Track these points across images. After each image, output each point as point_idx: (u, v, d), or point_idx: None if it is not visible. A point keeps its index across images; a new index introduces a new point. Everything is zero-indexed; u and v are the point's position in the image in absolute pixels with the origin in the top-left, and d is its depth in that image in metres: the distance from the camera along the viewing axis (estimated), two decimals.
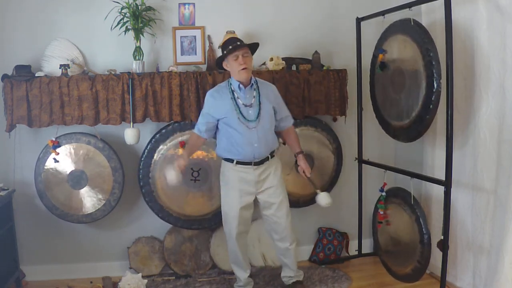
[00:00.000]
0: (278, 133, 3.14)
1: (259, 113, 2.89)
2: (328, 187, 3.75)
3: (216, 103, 2.93)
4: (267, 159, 2.97)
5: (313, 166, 3.66)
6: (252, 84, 2.93)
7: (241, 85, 2.91)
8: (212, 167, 3.44)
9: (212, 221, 3.53)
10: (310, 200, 3.71)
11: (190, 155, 3.07)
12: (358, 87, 3.68)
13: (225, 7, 3.65)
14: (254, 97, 2.92)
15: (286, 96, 3.45)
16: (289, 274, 3.23)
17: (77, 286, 3.29)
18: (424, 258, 3.01)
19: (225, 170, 3.04)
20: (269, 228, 3.14)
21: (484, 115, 2.94)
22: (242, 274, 3.16)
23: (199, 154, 3.43)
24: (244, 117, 2.88)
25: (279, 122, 3.07)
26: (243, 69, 2.83)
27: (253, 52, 2.96)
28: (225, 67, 2.95)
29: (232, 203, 3.00)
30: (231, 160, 2.96)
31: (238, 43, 2.85)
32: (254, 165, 2.92)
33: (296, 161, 3.20)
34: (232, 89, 2.92)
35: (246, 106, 2.89)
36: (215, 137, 3.07)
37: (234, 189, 2.98)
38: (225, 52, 2.87)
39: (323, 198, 3.15)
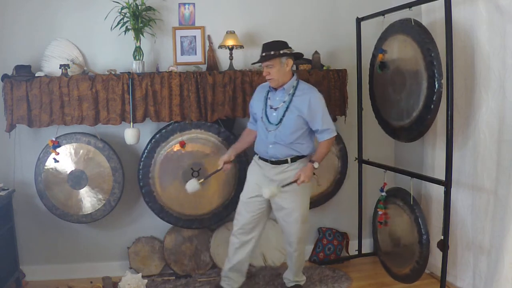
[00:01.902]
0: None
1: (281, 119, 2.87)
2: (333, 189, 3.75)
3: (255, 98, 3.07)
4: (285, 161, 2.91)
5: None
6: (285, 88, 2.90)
7: (271, 87, 2.96)
8: (212, 167, 3.44)
9: (212, 220, 3.53)
10: (313, 202, 3.70)
11: (236, 152, 3.11)
12: (358, 87, 3.68)
13: (225, 7, 3.65)
14: (284, 102, 2.89)
15: None
16: (289, 277, 3.24)
17: (77, 286, 3.29)
18: (423, 258, 3.01)
19: (252, 163, 3.11)
20: (281, 229, 3.14)
21: (484, 115, 2.94)
22: (225, 265, 3.14)
23: (199, 154, 3.43)
24: (267, 119, 2.92)
25: (316, 133, 2.95)
26: (268, 79, 2.90)
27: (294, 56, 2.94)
28: None
29: (245, 192, 3.05)
30: (256, 153, 3.07)
31: (264, 54, 2.84)
32: (271, 163, 2.94)
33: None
34: (269, 89, 2.98)
35: (271, 108, 2.92)
36: None
37: (251, 179, 3.05)
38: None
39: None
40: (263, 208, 3.02)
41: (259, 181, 2.98)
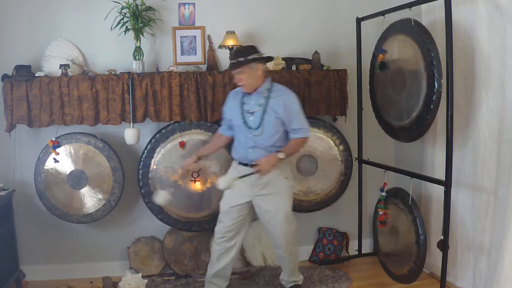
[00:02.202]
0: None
1: (260, 123, 2.87)
2: (337, 191, 3.74)
3: (229, 104, 3.04)
4: None
5: (316, 169, 3.65)
6: (259, 92, 2.90)
7: (245, 92, 2.93)
8: (212, 167, 3.44)
9: (212, 222, 3.49)
10: (314, 205, 3.71)
11: (202, 156, 3.08)
12: (358, 87, 3.68)
13: (225, 7, 3.65)
14: (260, 105, 2.88)
15: None
16: (285, 278, 3.23)
17: (77, 286, 3.29)
18: (420, 259, 3.01)
19: (231, 169, 3.08)
20: (268, 234, 3.13)
21: (484, 115, 2.94)
22: (209, 271, 3.11)
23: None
24: (246, 124, 2.90)
25: (290, 133, 2.95)
26: (240, 85, 2.90)
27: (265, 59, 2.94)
28: None
29: (226, 201, 3.02)
30: (235, 160, 3.03)
31: (233, 61, 2.83)
32: (252, 167, 2.90)
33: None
34: (243, 94, 2.96)
35: (248, 112, 2.90)
36: None
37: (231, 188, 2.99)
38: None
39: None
40: (244, 214, 3.01)
41: (240, 188, 2.92)
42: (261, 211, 2.98)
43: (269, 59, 3.00)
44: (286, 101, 2.88)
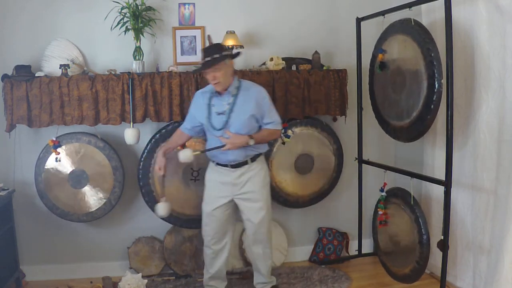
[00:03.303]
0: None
1: (226, 122, 2.81)
2: (328, 188, 3.75)
3: (196, 106, 2.95)
4: (245, 163, 2.90)
5: (313, 167, 3.66)
6: (229, 91, 2.84)
7: (215, 92, 2.88)
8: None
9: None
10: (310, 200, 3.72)
11: (167, 151, 2.97)
12: (358, 87, 3.68)
13: (225, 7, 3.65)
14: (228, 104, 2.83)
15: (286, 96, 3.45)
16: (261, 280, 3.17)
17: (77, 286, 3.29)
18: (423, 258, 3.01)
19: (208, 170, 3.06)
20: (246, 231, 3.12)
21: (484, 115, 2.94)
22: (205, 275, 3.12)
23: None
24: (211, 125, 2.85)
25: (262, 126, 2.92)
26: (214, 84, 2.80)
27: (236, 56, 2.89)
28: None
29: (207, 202, 3.01)
30: (212, 161, 2.99)
31: (208, 58, 2.72)
32: (231, 167, 2.90)
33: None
34: (212, 94, 2.89)
35: (219, 114, 2.84)
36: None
37: (211, 189, 3.01)
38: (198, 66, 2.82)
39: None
40: (228, 213, 3.01)
41: (220, 190, 2.94)
42: (243, 209, 2.98)
43: (238, 54, 2.93)
44: (257, 98, 2.85)
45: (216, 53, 2.73)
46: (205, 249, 3.08)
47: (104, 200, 3.39)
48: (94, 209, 3.39)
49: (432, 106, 2.85)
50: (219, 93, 2.86)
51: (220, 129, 2.82)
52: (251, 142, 2.80)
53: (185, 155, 2.83)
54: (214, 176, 2.99)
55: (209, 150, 2.90)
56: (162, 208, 2.94)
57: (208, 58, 2.73)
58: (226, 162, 2.89)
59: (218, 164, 2.94)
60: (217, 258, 3.05)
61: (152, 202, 3.44)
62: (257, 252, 3.08)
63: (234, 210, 3.05)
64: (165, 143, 3.18)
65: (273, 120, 2.91)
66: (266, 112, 2.88)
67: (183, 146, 3.10)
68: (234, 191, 2.94)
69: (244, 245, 3.63)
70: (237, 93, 2.84)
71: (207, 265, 3.09)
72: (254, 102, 2.83)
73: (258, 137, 2.85)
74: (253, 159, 2.93)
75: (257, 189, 2.95)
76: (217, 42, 2.93)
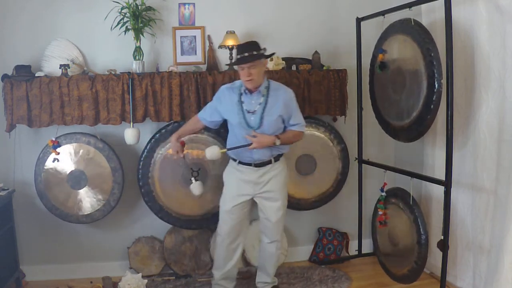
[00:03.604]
0: None
1: (261, 123, 2.82)
2: (334, 191, 3.74)
3: (225, 101, 2.90)
4: (269, 162, 2.93)
5: (315, 168, 3.66)
6: (260, 90, 2.84)
7: (246, 91, 2.86)
8: (212, 167, 3.44)
9: (211, 221, 3.51)
10: (311, 203, 3.71)
11: (180, 136, 2.99)
12: (358, 87, 3.68)
13: (225, 7, 3.65)
14: (260, 104, 2.83)
15: None
16: (265, 280, 3.19)
17: (77, 286, 3.29)
18: (421, 259, 3.01)
19: (227, 169, 3.06)
20: (262, 229, 3.13)
21: (484, 115, 2.94)
22: (217, 273, 3.12)
23: (198, 153, 3.42)
24: (247, 123, 2.84)
25: (288, 127, 2.96)
26: (247, 80, 2.78)
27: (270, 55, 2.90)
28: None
29: (226, 200, 3.01)
30: (234, 159, 2.99)
31: (246, 54, 2.72)
32: (255, 166, 2.92)
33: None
34: (241, 91, 2.88)
35: (249, 112, 2.84)
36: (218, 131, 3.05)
37: (232, 188, 3.01)
38: (234, 60, 2.82)
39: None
40: (245, 212, 3.03)
41: (241, 188, 2.96)
42: (262, 207, 3.01)
43: (272, 55, 2.96)
44: (285, 99, 2.86)
45: (254, 50, 2.73)
46: (219, 248, 3.07)
47: (103, 202, 3.39)
48: (93, 211, 3.38)
49: (432, 106, 2.85)
50: (249, 92, 2.84)
51: (257, 128, 2.82)
52: (278, 143, 2.82)
53: (212, 153, 2.84)
54: (235, 175, 2.98)
55: (235, 148, 2.88)
56: (196, 187, 2.99)
57: (246, 54, 2.72)
58: (250, 161, 2.90)
59: (240, 163, 2.94)
60: (229, 258, 3.06)
61: (152, 202, 3.44)
62: (271, 251, 3.10)
63: (250, 209, 3.07)
64: (177, 131, 3.07)
65: (299, 122, 2.93)
66: (293, 114, 2.90)
67: (183, 143, 3.09)
68: (256, 190, 2.95)
69: (244, 245, 3.61)
70: (268, 94, 2.84)
71: (219, 264, 3.09)
72: (283, 103, 2.84)
73: (284, 138, 2.87)
74: (276, 158, 2.95)
75: (278, 189, 2.97)
76: (253, 40, 2.92)
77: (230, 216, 2.99)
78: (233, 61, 2.81)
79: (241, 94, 2.87)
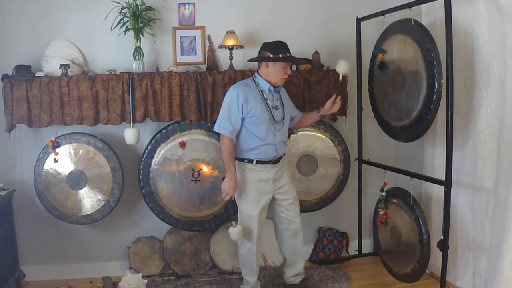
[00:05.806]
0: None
1: (284, 115, 3.01)
2: (335, 192, 3.75)
3: (251, 100, 2.88)
4: (281, 157, 3.07)
5: (316, 169, 3.66)
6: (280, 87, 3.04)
7: (271, 87, 2.95)
8: (212, 167, 3.44)
9: (213, 222, 3.52)
10: (312, 205, 3.70)
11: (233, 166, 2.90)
12: (358, 87, 3.68)
13: (225, 7, 3.65)
14: (277, 99, 3.01)
15: None
16: (295, 273, 3.22)
17: (77, 286, 3.29)
18: (424, 258, 3.01)
19: (243, 172, 2.97)
20: (281, 226, 3.14)
21: (484, 115, 2.94)
22: (252, 279, 3.10)
23: (199, 154, 3.42)
24: (274, 119, 2.94)
25: (292, 120, 3.20)
26: (285, 78, 2.96)
27: None
28: (264, 65, 2.91)
29: (251, 205, 2.97)
30: (250, 160, 2.95)
31: (289, 54, 2.92)
32: (273, 163, 2.97)
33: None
34: (261, 89, 2.95)
35: (272, 107, 2.95)
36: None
37: (252, 191, 2.97)
38: (280, 55, 2.86)
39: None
40: (266, 210, 3.09)
41: (261, 188, 2.97)
42: (282, 202, 3.08)
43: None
44: (286, 94, 3.17)
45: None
46: (249, 254, 3.03)
47: (103, 202, 3.39)
48: (92, 211, 3.38)
49: (432, 106, 2.85)
50: (269, 89, 2.95)
51: (280, 122, 2.97)
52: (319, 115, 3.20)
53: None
54: (251, 177, 2.95)
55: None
56: (235, 233, 2.93)
57: (289, 55, 2.92)
58: (271, 158, 2.96)
59: (258, 162, 2.94)
60: (257, 259, 3.10)
61: (152, 203, 3.44)
62: (300, 241, 3.18)
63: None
64: (230, 168, 2.90)
65: (298, 112, 3.25)
66: (293, 106, 3.21)
67: (183, 143, 3.08)
68: (275, 186, 3.02)
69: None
70: (279, 90, 3.06)
71: (252, 270, 3.07)
72: (287, 98, 3.15)
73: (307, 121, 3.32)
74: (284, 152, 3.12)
75: (289, 181, 3.13)
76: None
77: (258, 220, 2.99)
78: (280, 57, 2.86)
79: (262, 91, 2.96)
